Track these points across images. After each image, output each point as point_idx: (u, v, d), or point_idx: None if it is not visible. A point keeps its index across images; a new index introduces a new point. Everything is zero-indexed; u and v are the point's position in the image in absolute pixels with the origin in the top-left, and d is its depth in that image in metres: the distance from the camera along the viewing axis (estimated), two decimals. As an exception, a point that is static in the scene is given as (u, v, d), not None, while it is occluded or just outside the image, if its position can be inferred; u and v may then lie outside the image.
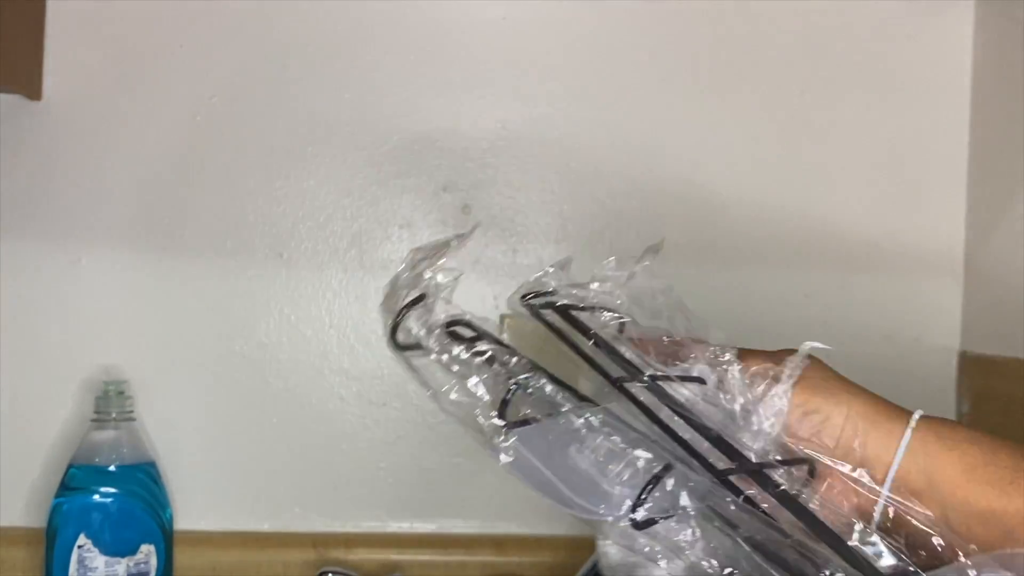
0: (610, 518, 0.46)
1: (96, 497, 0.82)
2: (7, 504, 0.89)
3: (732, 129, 0.99)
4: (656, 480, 0.46)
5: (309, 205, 0.94)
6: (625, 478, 0.47)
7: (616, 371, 0.51)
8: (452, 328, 0.53)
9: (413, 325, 0.53)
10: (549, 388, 0.51)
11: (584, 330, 0.52)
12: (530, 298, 0.55)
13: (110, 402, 0.84)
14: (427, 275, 0.53)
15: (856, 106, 1.01)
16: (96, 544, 0.81)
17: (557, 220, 0.96)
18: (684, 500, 0.47)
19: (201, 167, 0.92)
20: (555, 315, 0.54)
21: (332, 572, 0.87)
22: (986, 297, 0.99)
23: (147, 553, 0.83)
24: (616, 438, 0.48)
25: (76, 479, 0.82)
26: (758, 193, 0.99)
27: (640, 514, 0.46)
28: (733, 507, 0.47)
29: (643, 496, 0.46)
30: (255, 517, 0.93)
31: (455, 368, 0.51)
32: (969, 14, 1.02)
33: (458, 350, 0.51)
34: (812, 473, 0.49)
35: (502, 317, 0.95)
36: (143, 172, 0.91)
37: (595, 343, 0.51)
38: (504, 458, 0.49)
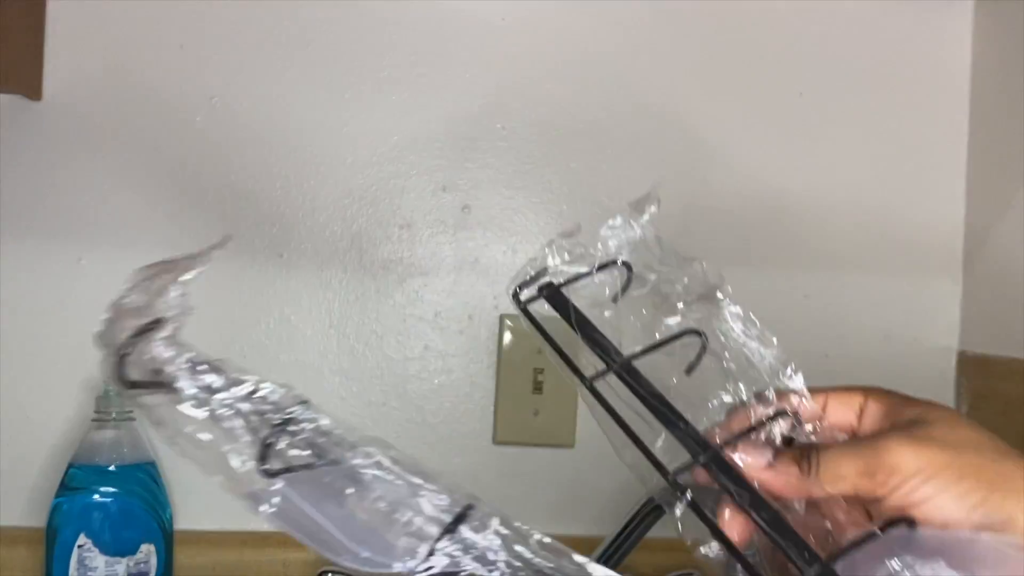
0: (402, 568, 0.40)
1: (96, 497, 0.82)
2: (7, 504, 0.89)
3: (731, 128, 0.99)
4: (454, 526, 0.42)
5: (309, 205, 0.94)
6: (414, 528, 0.41)
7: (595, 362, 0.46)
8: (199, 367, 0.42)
9: (150, 357, 0.42)
10: (325, 423, 0.43)
11: (564, 313, 0.47)
12: (522, 287, 0.49)
13: (110, 402, 0.84)
14: (171, 294, 0.42)
15: (855, 106, 1.01)
16: (96, 544, 0.81)
17: (556, 219, 0.96)
18: (490, 540, 0.42)
19: (201, 167, 0.92)
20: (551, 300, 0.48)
21: (332, 572, 0.87)
22: (985, 297, 0.99)
23: (147, 553, 0.83)
24: (402, 482, 0.42)
25: (76, 479, 0.82)
26: (757, 193, 1.00)
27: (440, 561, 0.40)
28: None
29: (438, 544, 0.41)
30: (255, 517, 0.93)
31: (205, 408, 0.42)
32: (968, 14, 1.03)
33: (213, 380, 0.42)
34: (790, 441, 0.45)
35: (501, 318, 0.95)
36: (143, 172, 0.91)
37: (574, 327, 0.46)
38: (264, 508, 0.44)
